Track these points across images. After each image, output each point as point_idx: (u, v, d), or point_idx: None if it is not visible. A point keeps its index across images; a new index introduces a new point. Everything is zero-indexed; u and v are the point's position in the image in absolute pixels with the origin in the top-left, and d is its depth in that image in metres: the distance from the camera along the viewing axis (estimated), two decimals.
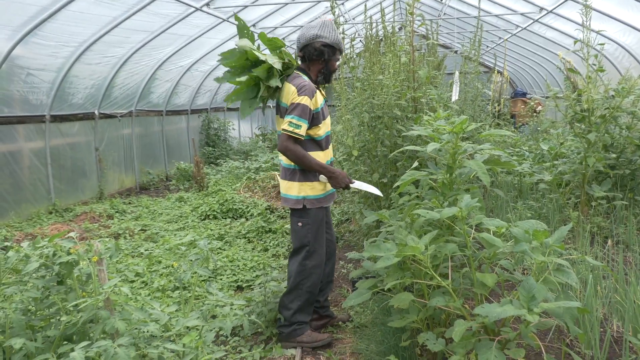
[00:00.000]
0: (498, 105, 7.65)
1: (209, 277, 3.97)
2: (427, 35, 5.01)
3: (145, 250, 4.88)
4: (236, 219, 6.07)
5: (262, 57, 2.78)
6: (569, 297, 2.04)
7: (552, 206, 4.36)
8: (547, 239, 2.01)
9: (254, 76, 2.79)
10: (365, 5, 4.89)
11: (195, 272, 2.45)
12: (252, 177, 7.52)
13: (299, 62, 2.99)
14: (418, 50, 4.59)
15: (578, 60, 4.78)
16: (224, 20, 7.90)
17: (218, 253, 4.73)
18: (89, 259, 2.15)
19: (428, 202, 2.58)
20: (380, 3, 4.53)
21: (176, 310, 2.59)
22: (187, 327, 2.22)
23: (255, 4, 7.97)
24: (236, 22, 2.89)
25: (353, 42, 4.48)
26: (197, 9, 7.05)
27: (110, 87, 7.52)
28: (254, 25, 8.80)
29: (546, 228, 2.11)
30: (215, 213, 6.19)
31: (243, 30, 2.88)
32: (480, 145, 2.66)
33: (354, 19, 11.47)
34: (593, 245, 3.70)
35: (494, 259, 2.24)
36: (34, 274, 2.19)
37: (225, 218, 6.13)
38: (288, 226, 5.41)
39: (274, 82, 2.80)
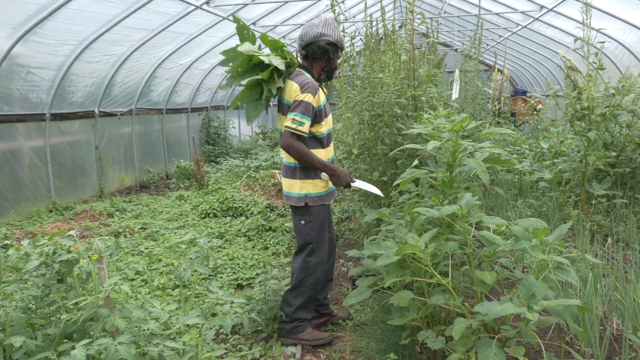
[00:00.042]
0: (498, 103, 7.64)
1: (209, 275, 3.98)
2: (428, 33, 5.01)
3: (146, 248, 4.88)
4: (236, 217, 6.07)
5: (267, 60, 2.77)
6: (568, 295, 2.04)
7: (552, 204, 4.37)
8: (547, 237, 2.01)
9: (258, 79, 2.80)
10: (366, 4, 4.89)
11: (196, 271, 2.45)
12: (252, 175, 7.51)
13: (300, 60, 2.99)
14: (418, 48, 4.59)
15: (578, 59, 4.78)
16: (224, 18, 7.89)
17: (218, 251, 4.73)
18: (89, 257, 2.15)
19: (428, 200, 2.58)
20: (381, 1, 4.52)
21: (176, 309, 2.58)
22: (187, 325, 2.22)
23: (254, 2, 7.95)
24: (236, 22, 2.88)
25: (353, 41, 4.47)
26: (197, 7, 7.05)
27: (110, 86, 7.51)
28: (253, 24, 8.78)
29: (546, 226, 2.11)
30: (215, 211, 6.19)
31: (243, 31, 2.85)
32: (481, 144, 2.66)
33: (354, 17, 11.46)
34: (593, 244, 3.70)
35: (494, 257, 2.24)
36: (34, 272, 2.19)
37: (225, 216, 6.13)
38: (288, 224, 5.41)
39: (278, 84, 2.81)
